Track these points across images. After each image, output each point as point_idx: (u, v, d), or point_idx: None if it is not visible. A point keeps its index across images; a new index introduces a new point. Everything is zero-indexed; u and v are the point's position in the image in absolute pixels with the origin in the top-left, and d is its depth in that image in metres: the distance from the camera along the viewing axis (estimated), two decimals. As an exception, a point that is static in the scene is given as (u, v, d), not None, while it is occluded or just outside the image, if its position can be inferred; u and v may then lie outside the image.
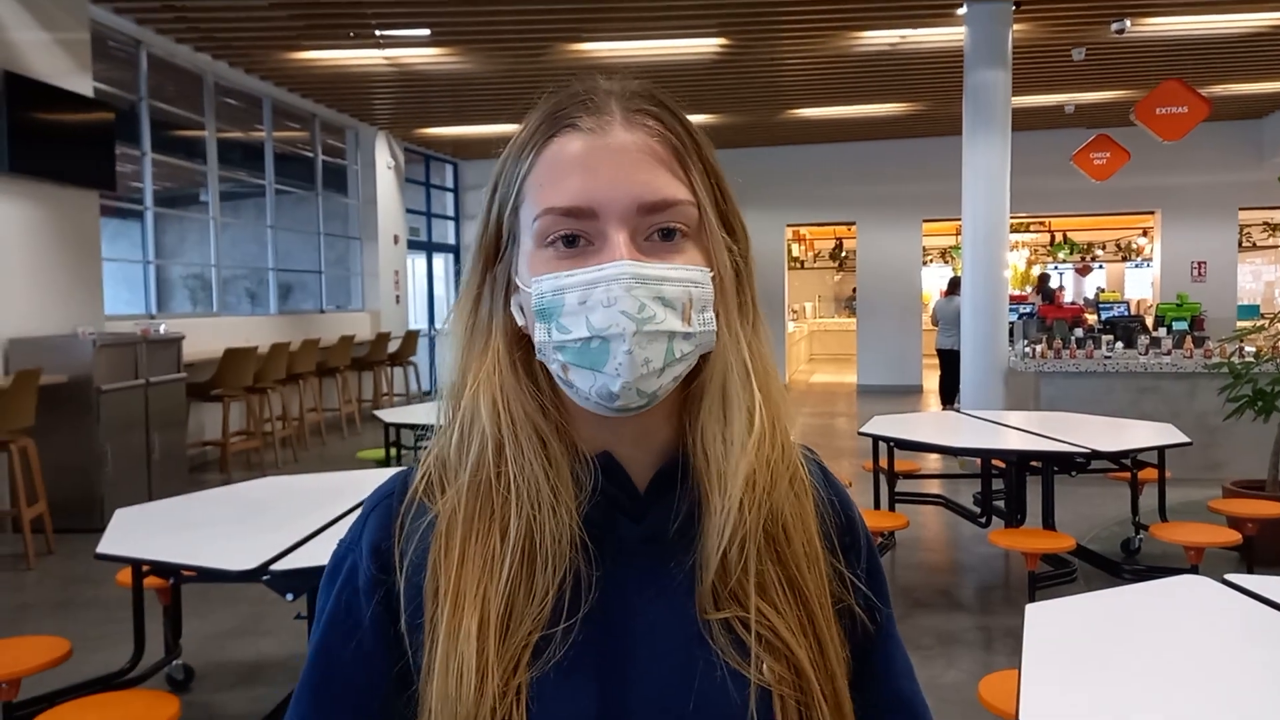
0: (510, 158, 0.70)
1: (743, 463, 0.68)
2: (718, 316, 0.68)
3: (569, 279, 0.65)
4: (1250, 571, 3.44)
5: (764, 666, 0.68)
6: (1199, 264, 12.29)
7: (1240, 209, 12.33)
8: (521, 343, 0.71)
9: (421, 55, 8.19)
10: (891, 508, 4.90)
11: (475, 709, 0.64)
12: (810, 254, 19.98)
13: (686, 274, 0.66)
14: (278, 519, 2.92)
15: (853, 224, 13.46)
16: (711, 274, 0.68)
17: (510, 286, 0.71)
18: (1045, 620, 1.82)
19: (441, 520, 0.70)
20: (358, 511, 0.76)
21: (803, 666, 0.69)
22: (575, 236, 0.66)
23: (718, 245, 0.69)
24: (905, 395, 12.28)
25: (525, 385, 0.70)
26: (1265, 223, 15.65)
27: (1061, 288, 14.89)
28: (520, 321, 0.71)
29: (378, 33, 7.42)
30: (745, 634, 0.68)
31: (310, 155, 10.62)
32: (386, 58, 8.24)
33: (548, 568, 0.67)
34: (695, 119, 0.72)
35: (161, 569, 2.80)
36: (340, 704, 0.71)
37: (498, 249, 0.72)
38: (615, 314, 0.64)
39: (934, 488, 6.25)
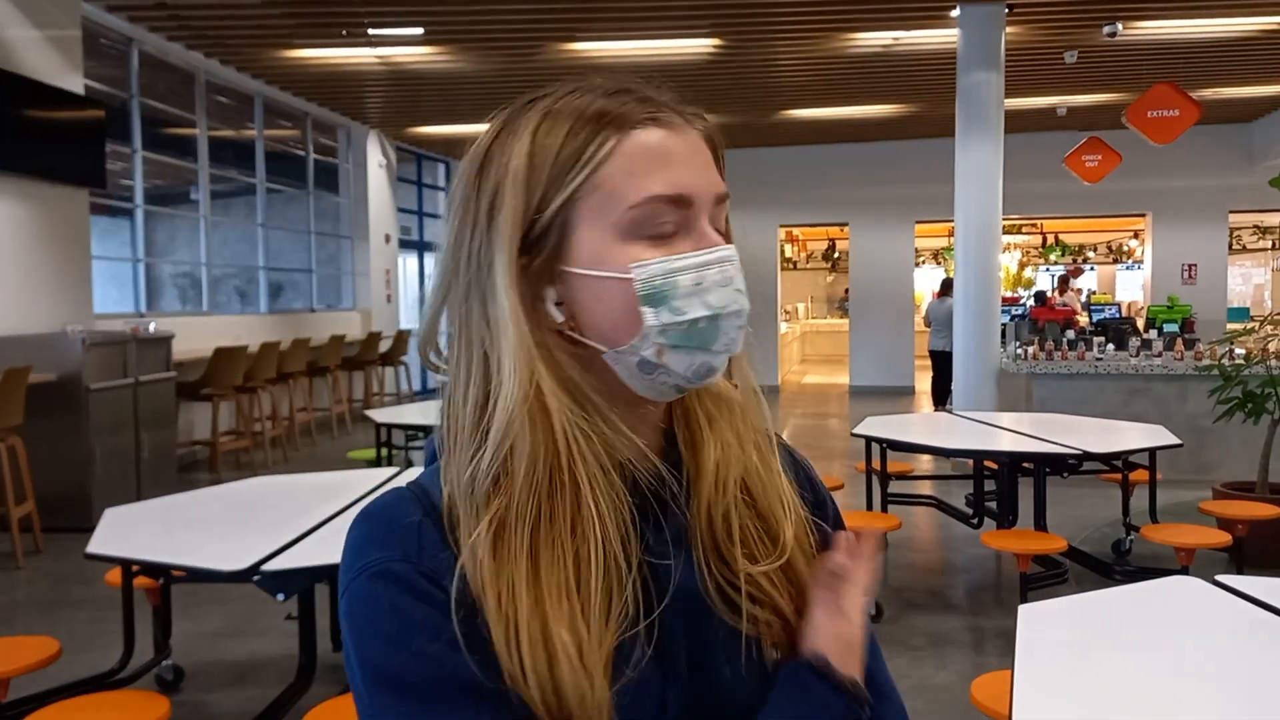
0: (565, 147, 0.67)
1: (734, 463, 0.73)
2: None
3: (680, 261, 0.67)
4: (1240, 572, 3.45)
5: (754, 618, 0.71)
6: (1189, 266, 12.35)
7: (1230, 212, 12.40)
8: (565, 342, 0.68)
9: (414, 54, 8.18)
10: (884, 509, 4.91)
11: (583, 705, 0.62)
12: (803, 255, 20.02)
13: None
14: (269, 519, 2.91)
15: (845, 225, 13.49)
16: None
17: (551, 278, 0.68)
18: (1038, 621, 1.83)
19: (487, 527, 0.65)
20: (353, 538, 0.69)
21: (782, 609, 0.72)
22: (667, 233, 0.68)
23: (734, 238, 0.74)
24: (898, 396, 12.30)
25: (584, 382, 0.68)
26: (1255, 226, 15.74)
27: (1078, 288, 15.21)
28: (558, 318, 0.68)
29: (370, 31, 7.40)
30: (735, 594, 0.70)
31: (302, 154, 10.59)
32: (379, 56, 8.22)
33: (618, 567, 0.66)
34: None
35: (151, 569, 2.78)
36: (464, 696, 0.63)
37: (527, 241, 0.68)
38: (732, 293, 0.68)
39: (926, 489, 6.26)
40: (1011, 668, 1.60)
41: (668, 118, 0.69)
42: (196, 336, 7.75)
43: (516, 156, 0.67)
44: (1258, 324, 5.26)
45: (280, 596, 2.46)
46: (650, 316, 0.66)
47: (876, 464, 4.91)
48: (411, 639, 0.63)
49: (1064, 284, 13.82)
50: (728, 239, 0.71)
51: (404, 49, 8.02)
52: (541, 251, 0.68)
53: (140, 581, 3.05)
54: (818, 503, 0.82)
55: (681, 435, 0.74)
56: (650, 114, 0.69)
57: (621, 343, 0.67)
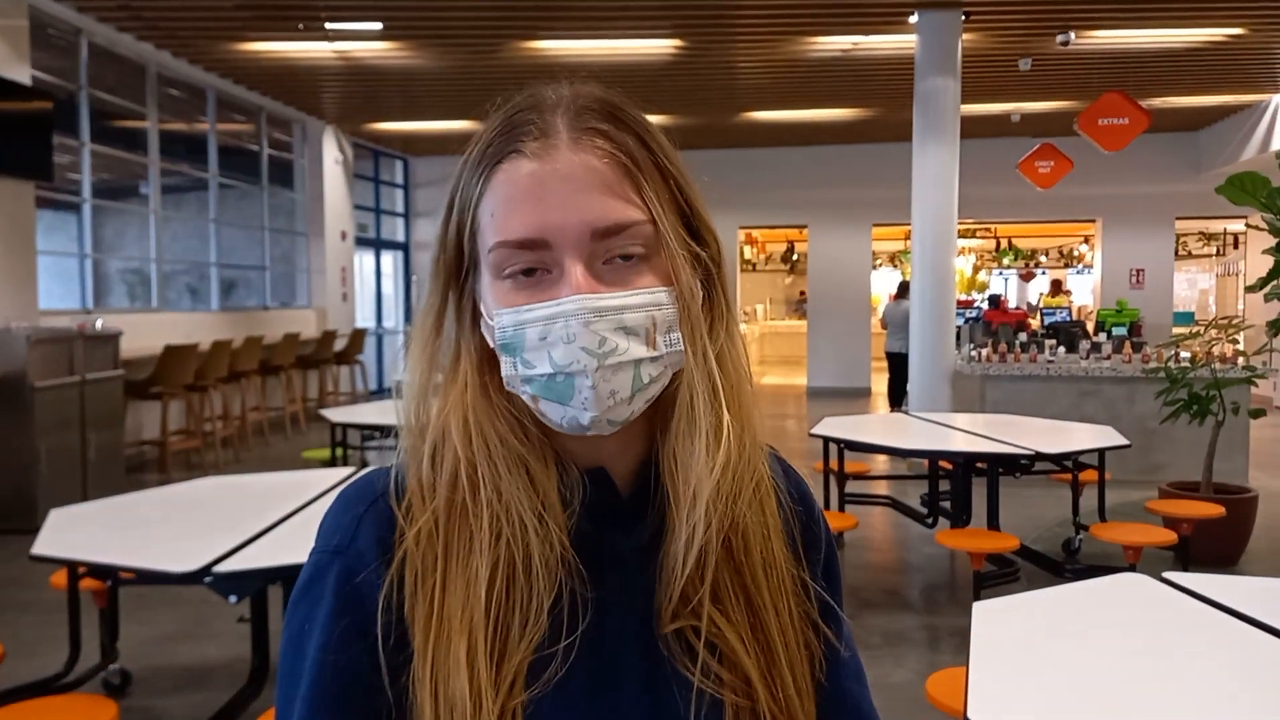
0: (462, 179, 0.69)
1: (706, 482, 0.67)
2: (683, 336, 0.67)
3: (528, 314, 0.64)
4: (1186, 570, 3.54)
5: (712, 674, 0.68)
6: (1138, 271, 12.63)
7: (1177, 218, 12.69)
8: (494, 363, 0.69)
9: (372, 49, 8.08)
10: (841, 508, 4.95)
11: None
12: (762, 256, 20.13)
13: (649, 298, 0.65)
14: (220, 520, 2.85)
15: (804, 227, 13.59)
16: (674, 292, 0.66)
17: (475, 310, 0.70)
18: (992, 618, 1.86)
19: (415, 546, 0.67)
20: (321, 513, 0.72)
21: (750, 676, 0.69)
22: (532, 268, 0.65)
23: (678, 262, 0.67)
24: (854, 397, 12.42)
25: (499, 406, 0.68)
26: (1201, 232, 16.13)
27: (1068, 290, 15.83)
28: (492, 344, 0.68)
29: (327, 25, 7.30)
30: (698, 642, 0.68)
31: (255, 149, 10.42)
32: (336, 51, 8.12)
33: (538, 589, 0.65)
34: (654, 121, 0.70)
35: (99, 571, 2.72)
36: (358, 713, 0.66)
37: (459, 270, 0.70)
38: (576, 350, 0.63)
39: (882, 489, 6.34)
40: (966, 664, 1.62)
41: (535, 146, 0.65)
42: (146, 334, 7.59)
43: (454, 174, 0.70)
44: (1203, 328, 5.39)
45: (233, 599, 2.42)
46: (507, 366, 0.66)
47: (835, 464, 4.95)
48: (310, 632, 0.67)
49: (1056, 287, 14.55)
50: (667, 264, 0.66)
51: (362, 44, 7.93)
52: (467, 278, 0.70)
53: (87, 584, 2.98)
54: (813, 541, 0.79)
55: (666, 464, 0.70)
56: (518, 146, 0.65)
57: (511, 387, 0.67)
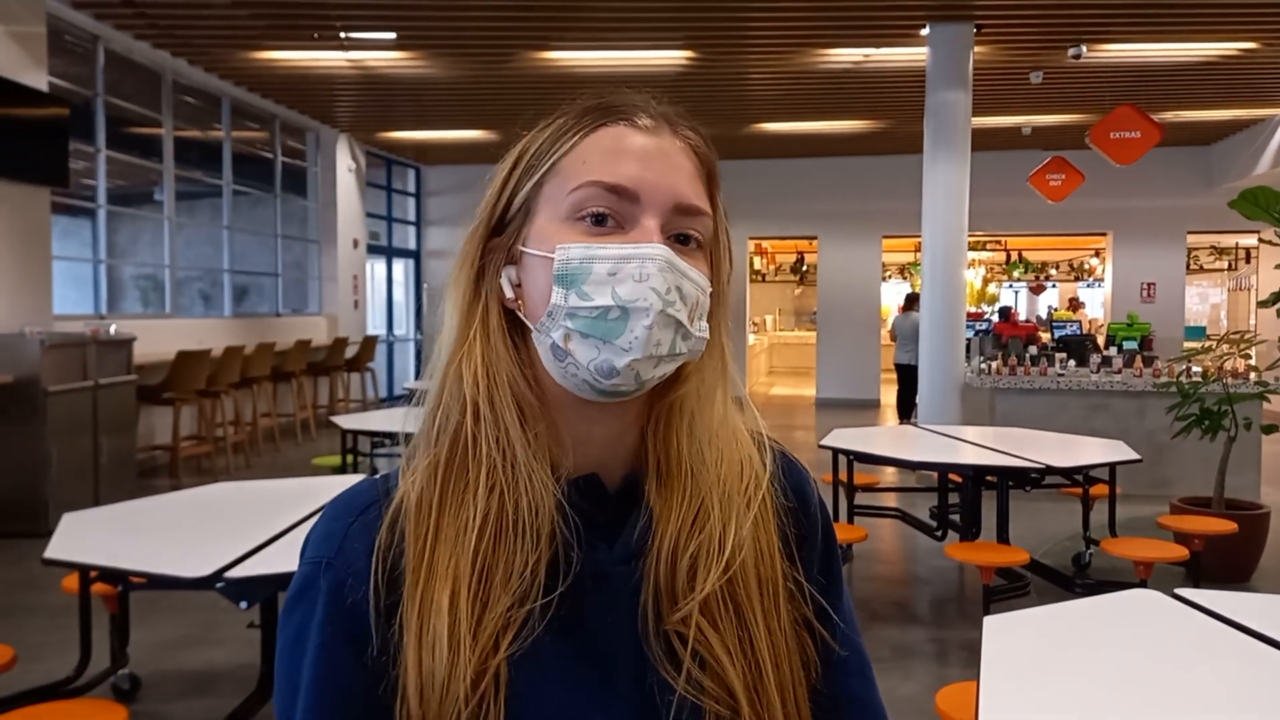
0: (547, 137, 0.71)
1: (702, 480, 0.69)
2: (711, 329, 0.71)
3: (602, 250, 0.66)
4: (1197, 586, 3.52)
5: (694, 681, 0.68)
6: (1148, 285, 12.59)
7: (1189, 232, 12.65)
8: (514, 320, 0.71)
9: (386, 59, 8.14)
10: (850, 520, 4.94)
11: (447, 687, 0.63)
12: (771, 267, 20.13)
13: (701, 279, 0.69)
14: (231, 525, 2.86)
15: (814, 238, 13.60)
16: (711, 290, 0.71)
17: (509, 256, 0.71)
18: (1003, 632, 1.85)
19: (410, 498, 0.68)
20: (315, 522, 0.73)
21: (733, 686, 0.68)
22: (605, 215, 0.68)
23: (721, 264, 0.73)
24: (863, 409, 12.40)
25: (513, 359, 0.70)
26: (1212, 247, 16.07)
27: (1082, 301, 16.03)
28: (509, 294, 0.71)
29: (342, 35, 7.36)
30: (682, 648, 0.68)
31: (269, 156, 10.49)
32: (350, 60, 8.17)
33: (525, 539, 0.66)
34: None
35: (111, 575, 2.73)
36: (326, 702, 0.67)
37: (502, 221, 0.72)
38: (646, 289, 0.65)
39: (891, 501, 6.32)
40: (977, 679, 1.62)
41: (648, 122, 0.70)
42: (158, 339, 7.63)
43: (524, 141, 0.73)
44: (1214, 343, 5.37)
45: (243, 604, 2.42)
46: (559, 296, 0.67)
47: (844, 476, 4.94)
48: (303, 645, 0.68)
49: (1074, 304, 14.87)
50: (713, 261, 0.71)
51: (376, 53, 7.98)
52: (505, 232, 0.72)
53: (98, 588, 2.99)
54: (808, 532, 0.79)
55: (653, 457, 0.71)
56: (628, 115, 0.70)
57: (547, 320, 0.68)
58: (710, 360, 0.72)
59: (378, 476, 0.74)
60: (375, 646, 0.66)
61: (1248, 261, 14.96)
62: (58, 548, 2.59)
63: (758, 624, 0.70)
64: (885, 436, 6.22)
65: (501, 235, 0.72)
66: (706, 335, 0.70)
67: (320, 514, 0.73)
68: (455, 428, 0.69)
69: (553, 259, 0.67)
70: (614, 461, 0.72)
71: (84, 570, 2.77)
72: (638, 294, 0.65)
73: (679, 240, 0.69)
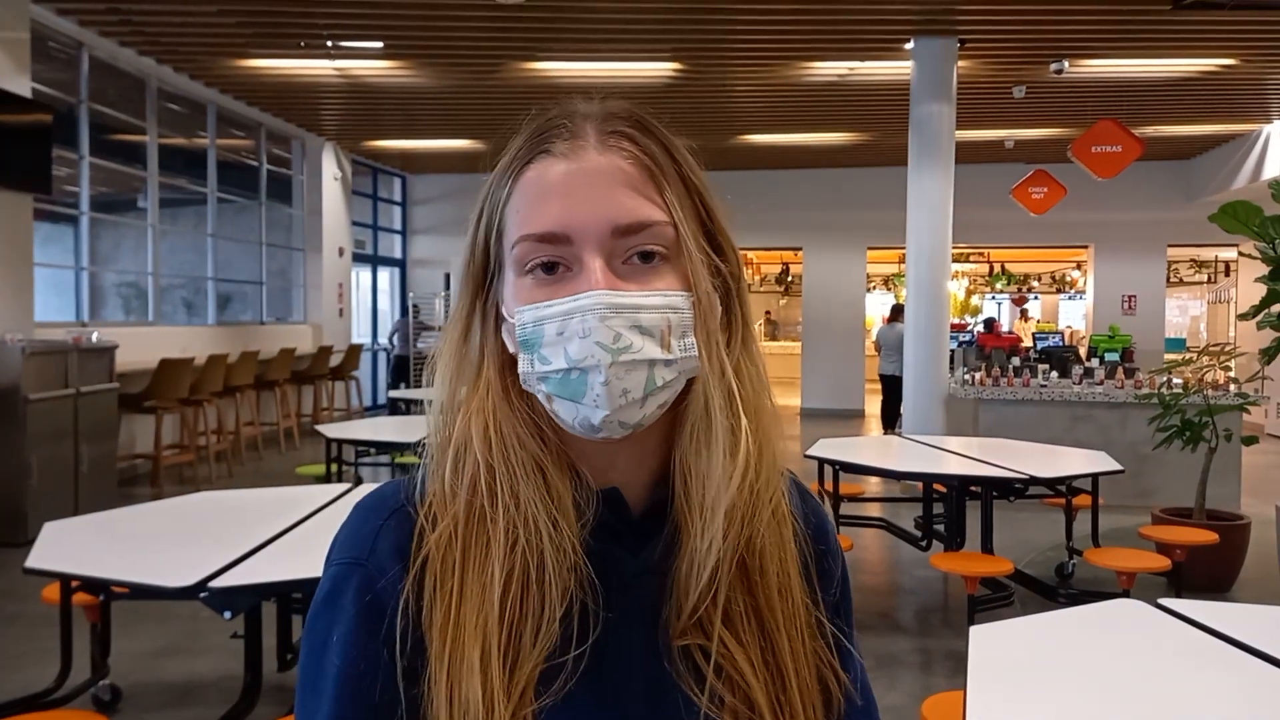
0: (492, 184, 0.70)
1: (723, 495, 0.66)
2: (698, 342, 0.67)
3: (547, 309, 0.65)
4: (1179, 596, 3.55)
5: (717, 697, 0.67)
6: (1129, 297, 12.70)
7: (1169, 245, 12.78)
8: (515, 368, 0.69)
9: (373, 68, 8.13)
10: (836, 530, 4.94)
11: None
12: (757, 278, 20.20)
13: (664, 300, 0.65)
14: (214, 535, 2.85)
15: (799, 249, 13.66)
16: (691, 298, 0.67)
17: (499, 315, 0.70)
18: (988, 642, 1.86)
19: (437, 551, 0.67)
20: (315, 529, 0.73)
21: (757, 701, 0.68)
22: (554, 264, 0.65)
23: (697, 267, 0.67)
24: (848, 419, 12.44)
25: (520, 412, 0.69)
26: (1192, 260, 16.23)
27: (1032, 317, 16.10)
28: (512, 349, 0.69)
29: (329, 43, 7.35)
30: (706, 664, 0.67)
31: (254, 164, 10.45)
32: (337, 69, 8.16)
33: (550, 595, 0.65)
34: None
35: (93, 585, 2.71)
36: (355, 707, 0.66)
37: (485, 277, 0.71)
38: (590, 345, 0.63)
39: (875, 511, 6.34)
40: (964, 688, 1.63)
41: (564, 147, 0.67)
42: (141, 347, 7.57)
43: (483, 187, 0.71)
44: (1195, 355, 5.43)
45: (227, 614, 2.41)
46: (524, 363, 0.66)
47: (829, 486, 4.95)
48: (332, 646, 0.67)
49: (1025, 315, 14.83)
50: (687, 268, 0.67)
51: (363, 62, 7.97)
52: (491, 286, 0.71)
53: (79, 598, 2.96)
54: (829, 569, 0.78)
55: (681, 475, 0.69)
56: (547, 147, 0.67)
57: (527, 384, 0.67)
58: (710, 369, 0.68)
59: (402, 479, 0.73)
60: (401, 644, 0.65)
61: (1227, 275, 15.12)
62: (39, 557, 2.56)
63: (780, 633, 0.70)
64: (870, 447, 6.25)
65: (490, 292, 0.71)
66: (694, 352, 0.66)
67: (347, 518, 0.72)
68: (470, 483, 0.68)
69: (512, 322, 0.67)
70: (641, 479, 0.71)
71: (65, 580, 2.75)
72: (585, 352, 0.63)
73: (642, 259, 0.66)
